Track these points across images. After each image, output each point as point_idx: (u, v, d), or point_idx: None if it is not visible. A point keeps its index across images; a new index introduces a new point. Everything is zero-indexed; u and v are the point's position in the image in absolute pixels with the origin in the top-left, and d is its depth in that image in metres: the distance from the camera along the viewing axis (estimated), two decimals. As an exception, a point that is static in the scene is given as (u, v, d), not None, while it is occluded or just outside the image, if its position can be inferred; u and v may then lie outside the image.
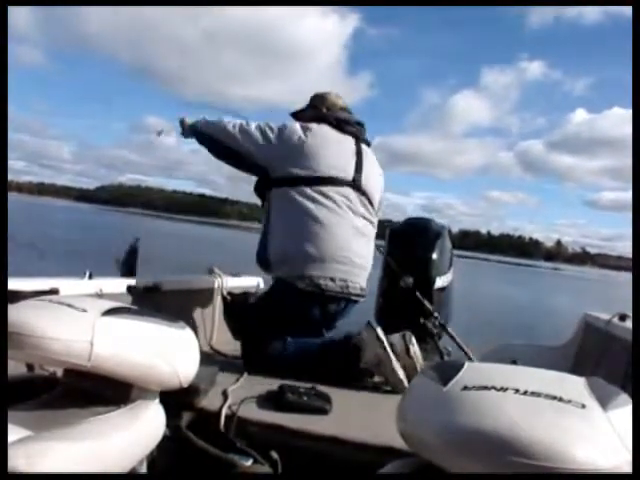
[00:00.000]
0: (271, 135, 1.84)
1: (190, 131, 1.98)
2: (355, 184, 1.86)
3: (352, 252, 1.78)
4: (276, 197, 1.84)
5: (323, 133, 1.89)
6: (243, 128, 1.86)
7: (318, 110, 2.00)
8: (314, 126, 1.89)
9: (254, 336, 1.77)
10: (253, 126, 1.86)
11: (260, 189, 1.97)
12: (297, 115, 2.06)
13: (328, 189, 1.79)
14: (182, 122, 2.02)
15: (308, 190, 1.78)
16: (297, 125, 1.88)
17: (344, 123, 1.96)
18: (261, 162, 1.84)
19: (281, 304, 1.79)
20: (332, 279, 1.72)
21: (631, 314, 2.01)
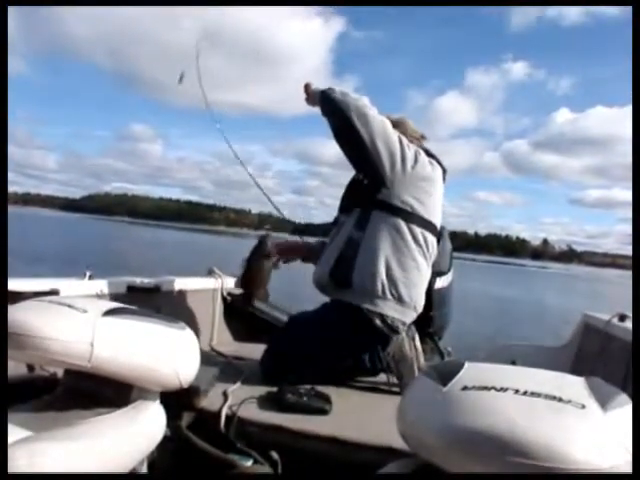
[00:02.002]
0: (408, 153, 1.65)
1: (318, 97, 1.73)
2: (439, 236, 1.79)
3: (423, 302, 1.73)
4: (384, 222, 1.65)
5: (439, 173, 1.77)
6: (385, 126, 1.64)
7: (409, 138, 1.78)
8: (434, 162, 1.76)
9: (289, 357, 1.64)
10: (391, 130, 1.66)
11: (356, 199, 1.76)
12: None
13: (428, 235, 1.70)
14: (307, 86, 1.80)
15: (419, 232, 1.66)
16: (425, 156, 1.72)
17: (444, 171, 1.82)
18: (387, 177, 1.63)
19: (339, 331, 1.65)
20: (403, 323, 1.66)
21: (630, 314, 2.01)
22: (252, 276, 1.91)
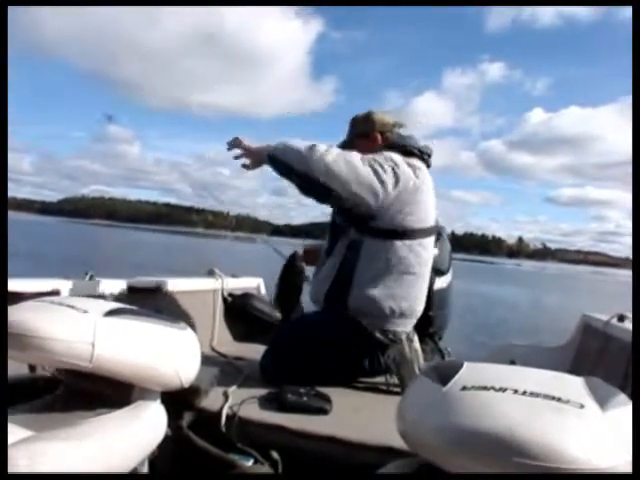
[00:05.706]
0: (386, 178, 1.55)
1: (265, 159, 1.61)
2: (437, 232, 1.78)
3: (423, 305, 1.72)
4: (378, 248, 1.63)
5: (425, 174, 1.70)
6: (352, 167, 1.52)
7: (380, 138, 1.77)
8: (417, 164, 1.69)
9: (290, 358, 1.64)
10: (359, 165, 1.53)
11: (345, 227, 1.72)
12: (360, 149, 1.65)
13: (426, 240, 1.68)
14: (240, 144, 1.67)
15: (415, 243, 1.64)
16: (404, 164, 1.63)
17: (427, 156, 1.78)
18: (372, 210, 1.57)
19: (339, 334, 1.66)
20: (405, 332, 1.66)
21: (630, 314, 2.01)
22: (286, 295, 1.95)
